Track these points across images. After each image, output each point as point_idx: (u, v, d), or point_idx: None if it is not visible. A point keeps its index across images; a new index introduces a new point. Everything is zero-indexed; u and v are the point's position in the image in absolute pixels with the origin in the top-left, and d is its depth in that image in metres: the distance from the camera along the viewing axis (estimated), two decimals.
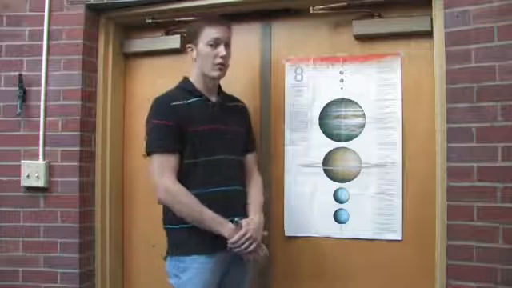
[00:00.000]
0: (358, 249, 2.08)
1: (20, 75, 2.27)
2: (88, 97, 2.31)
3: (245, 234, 1.75)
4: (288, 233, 2.18)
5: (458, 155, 1.82)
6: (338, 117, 2.13)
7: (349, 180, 2.10)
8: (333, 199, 2.12)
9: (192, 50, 1.91)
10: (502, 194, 1.74)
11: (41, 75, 2.28)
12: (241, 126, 1.98)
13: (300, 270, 2.16)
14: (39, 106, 2.27)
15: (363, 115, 2.09)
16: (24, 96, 2.26)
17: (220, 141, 1.87)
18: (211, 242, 1.77)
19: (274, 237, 2.19)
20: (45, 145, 2.26)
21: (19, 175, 2.26)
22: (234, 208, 1.84)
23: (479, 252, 1.76)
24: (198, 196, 1.78)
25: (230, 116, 1.95)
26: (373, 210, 2.05)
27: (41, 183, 2.23)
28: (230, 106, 1.98)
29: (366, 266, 2.07)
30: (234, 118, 1.97)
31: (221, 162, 1.85)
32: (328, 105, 2.15)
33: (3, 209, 2.28)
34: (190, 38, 1.93)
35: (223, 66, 1.88)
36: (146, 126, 1.88)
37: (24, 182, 2.26)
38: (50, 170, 2.26)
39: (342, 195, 2.11)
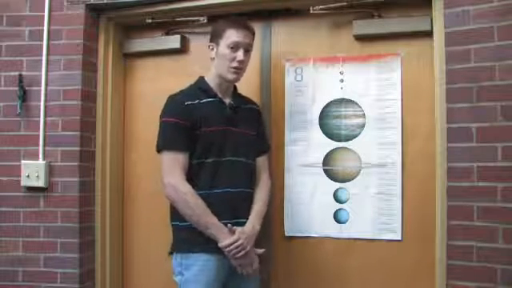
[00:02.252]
0: (358, 249, 2.08)
1: (20, 75, 2.26)
2: (88, 97, 2.31)
3: (236, 241, 1.76)
4: (288, 233, 2.18)
5: (458, 155, 1.82)
6: (337, 117, 2.13)
7: (349, 180, 2.10)
8: (333, 199, 2.12)
9: (212, 48, 1.92)
10: (502, 194, 1.74)
11: (41, 75, 2.28)
12: (253, 129, 1.98)
13: (300, 269, 2.16)
14: (39, 106, 2.27)
15: (363, 115, 2.09)
16: (24, 96, 2.26)
17: (230, 143, 1.87)
18: (216, 241, 1.78)
19: (274, 237, 2.19)
20: (45, 145, 2.26)
21: (19, 175, 2.26)
22: (240, 210, 1.85)
23: (479, 252, 1.76)
24: (204, 196, 1.79)
25: (243, 118, 1.95)
26: (373, 209, 2.05)
27: (41, 183, 2.23)
28: (244, 109, 1.98)
29: (366, 265, 2.07)
30: (247, 120, 1.97)
31: (229, 164, 1.86)
32: (328, 105, 2.15)
33: (3, 209, 2.28)
34: (212, 37, 1.93)
35: (240, 70, 1.90)
36: (159, 123, 1.89)
37: (24, 182, 2.25)
38: (50, 170, 2.26)
39: (342, 195, 2.11)
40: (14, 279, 2.24)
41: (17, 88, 2.26)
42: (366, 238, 2.06)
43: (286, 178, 2.19)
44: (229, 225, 1.78)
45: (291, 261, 2.17)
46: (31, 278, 2.24)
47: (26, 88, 2.27)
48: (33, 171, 2.23)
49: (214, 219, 1.78)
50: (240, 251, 1.77)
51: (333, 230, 2.11)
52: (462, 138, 1.81)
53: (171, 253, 1.88)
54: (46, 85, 2.28)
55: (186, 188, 1.79)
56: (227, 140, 1.87)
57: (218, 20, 2.00)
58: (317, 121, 2.16)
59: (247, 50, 1.90)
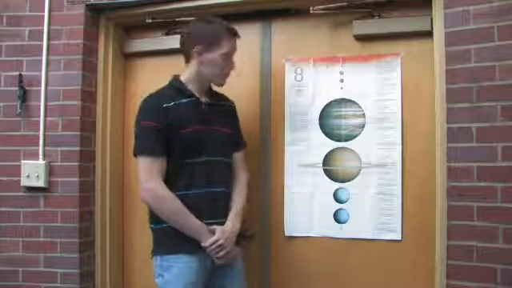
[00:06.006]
0: (358, 249, 2.08)
1: (20, 75, 2.26)
2: (88, 97, 2.31)
3: (216, 241, 1.77)
4: (288, 233, 2.18)
5: (458, 155, 1.82)
6: (338, 117, 2.13)
7: (349, 180, 2.10)
8: (333, 199, 2.12)
9: (201, 53, 1.87)
10: (502, 194, 1.74)
11: (41, 75, 2.28)
12: (229, 126, 1.97)
13: (300, 269, 2.16)
14: (39, 106, 2.27)
15: (363, 115, 2.09)
16: (24, 96, 2.26)
17: (209, 142, 1.86)
18: (195, 241, 1.78)
19: (274, 237, 2.19)
20: (45, 145, 2.26)
21: (19, 175, 2.26)
22: (219, 210, 1.85)
23: (479, 252, 1.76)
24: (182, 197, 1.79)
25: (219, 116, 1.94)
26: (373, 209, 2.05)
27: (41, 183, 2.23)
28: (220, 106, 1.98)
29: (366, 265, 2.07)
30: (223, 118, 1.96)
31: (208, 164, 1.85)
32: (328, 105, 2.15)
33: (3, 209, 2.28)
34: (200, 40, 1.86)
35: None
36: (135, 126, 1.88)
37: (24, 182, 2.25)
38: (50, 170, 2.26)
39: (342, 195, 2.11)
40: (14, 279, 2.24)
41: (17, 88, 2.26)
42: (366, 237, 2.06)
43: (286, 178, 2.19)
44: (208, 226, 1.79)
45: (291, 261, 2.17)
46: (31, 278, 2.24)
47: (26, 88, 2.27)
48: (33, 171, 2.23)
49: (193, 220, 1.78)
50: (221, 250, 1.78)
51: (333, 230, 2.11)
52: (462, 138, 1.81)
53: (153, 256, 1.88)
54: (46, 85, 2.28)
55: (164, 191, 1.78)
56: (206, 139, 1.86)
57: (202, 21, 1.96)
58: (317, 121, 2.16)
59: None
